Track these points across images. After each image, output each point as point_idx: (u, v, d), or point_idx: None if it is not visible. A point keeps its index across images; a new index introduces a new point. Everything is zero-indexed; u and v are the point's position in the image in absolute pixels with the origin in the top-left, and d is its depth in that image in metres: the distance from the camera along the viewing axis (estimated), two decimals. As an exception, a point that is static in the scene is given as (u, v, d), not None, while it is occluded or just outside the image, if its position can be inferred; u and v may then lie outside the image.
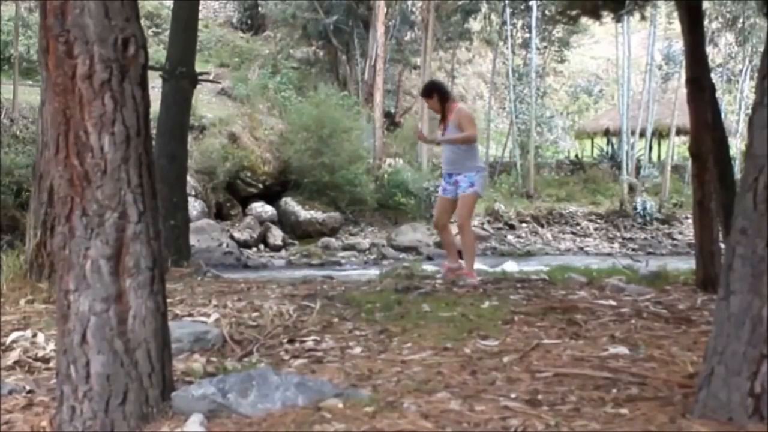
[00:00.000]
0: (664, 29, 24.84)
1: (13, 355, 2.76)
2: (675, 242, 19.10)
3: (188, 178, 9.81)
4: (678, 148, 24.70)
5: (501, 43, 24.94)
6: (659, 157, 24.79)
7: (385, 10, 22.32)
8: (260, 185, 17.36)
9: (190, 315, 3.54)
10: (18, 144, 13.69)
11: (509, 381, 2.35)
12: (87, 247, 1.96)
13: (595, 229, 20.10)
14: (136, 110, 2.02)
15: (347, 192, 17.55)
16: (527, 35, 23.58)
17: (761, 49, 9.00)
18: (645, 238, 19.48)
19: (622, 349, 2.80)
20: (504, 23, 23.64)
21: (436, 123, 25.84)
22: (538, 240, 18.90)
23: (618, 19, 8.11)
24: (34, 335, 3.02)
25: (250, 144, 17.44)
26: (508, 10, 23.04)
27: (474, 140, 5.66)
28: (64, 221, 1.99)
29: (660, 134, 23.79)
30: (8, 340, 2.94)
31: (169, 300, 2.91)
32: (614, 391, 2.19)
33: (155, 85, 6.44)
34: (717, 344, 1.88)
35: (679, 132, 22.27)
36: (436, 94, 5.72)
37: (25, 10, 17.85)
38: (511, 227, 19.52)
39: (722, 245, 4.68)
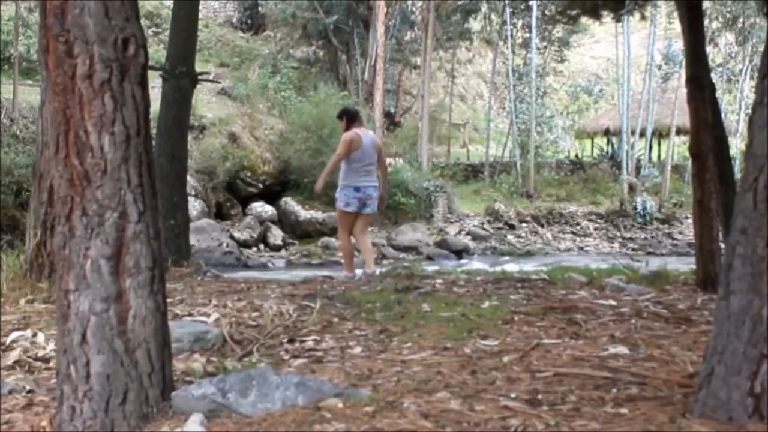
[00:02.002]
0: (664, 29, 24.84)
1: (13, 355, 2.76)
2: (675, 242, 19.10)
3: (188, 177, 9.82)
4: (678, 148, 24.71)
5: (501, 43, 24.95)
6: (659, 156, 24.79)
7: (385, 9, 22.33)
8: (260, 185, 17.36)
9: (190, 315, 3.54)
10: (18, 144, 13.68)
11: (509, 381, 2.35)
12: (87, 246, 1.96)
13: (595, 229, 20.10)
14: (136, 110, 2.02)
15: (347, 192, 17.53)
16: (527, 35, 23.58)
17: (761, 49, 9.00)
18: (645, 238, 19.48)
19: (622, 349, 2.80)
20: (504, 23, 23.64)
21: (435, 123, 25.84)
22: (538, 240, 18.90)
23: (618, 19, 8.11)
24: (34, 335, 3.02)
25: (250, 144, 17.44)
26: (508, 10, 23.04)
27: (337, 159, 6.47)
28: (64, 221, 1.99)
29: (660, 134, 23.79)
30: (8, 339, 2.94)
31: (169, 300, 2.91)
32: (614, 390, 2.19)
33: (155, 84, 6.46)
34: (717, 344, 1.88)
35: (679, 132, 22.28)
36: (345, 117, 6.65)
37: (25, 9, 17.85)
38: (511, 227, 19.52)
39: (722, 245, 4.68)
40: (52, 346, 2.79)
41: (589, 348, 2.83)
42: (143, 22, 2.44)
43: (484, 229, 18.66)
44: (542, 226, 19.98)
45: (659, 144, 24.96)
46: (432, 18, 21.05)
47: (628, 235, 19.76)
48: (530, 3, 22.32)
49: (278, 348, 2.96)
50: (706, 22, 10.57)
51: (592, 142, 26.51)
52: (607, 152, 24.40)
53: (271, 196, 17.39)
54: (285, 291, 4.60)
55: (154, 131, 5.64)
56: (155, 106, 3.34)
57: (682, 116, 18.87)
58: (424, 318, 3.58)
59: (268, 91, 20.38)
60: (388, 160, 20.25)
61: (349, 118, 6.58)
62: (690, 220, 11.72)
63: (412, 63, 26.07)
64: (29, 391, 2.36)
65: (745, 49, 23.13)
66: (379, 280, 5.36)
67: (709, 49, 13.11)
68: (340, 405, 1.99)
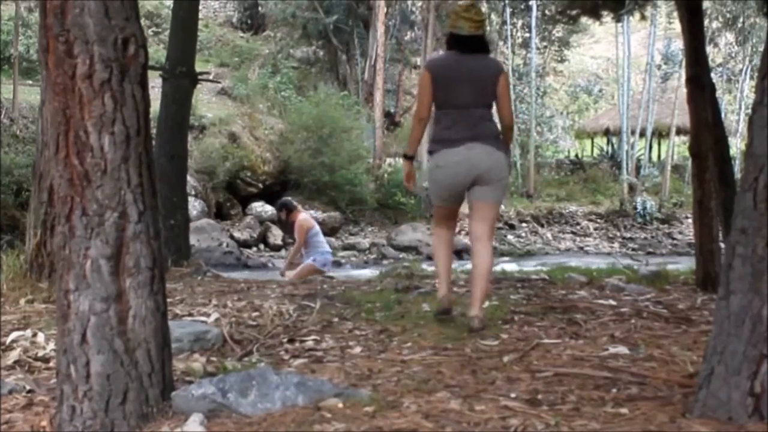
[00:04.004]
0: (664, 29, 24.84)
1: (13, 355, 2.76)
2: (675, 242, 19.10)
3: (188, 177, 9.81)
4: (678, 148, 24.71)
5: (501, 43, 24.93)
6: (659, 156, 24.80)
7: (385, 9, 22.31)
8: (260, 185, 17.37)
9: (190, 314, 3.54)
10: (18, 144, 13.68)
11: (509, 381, 2.35)
12: (87, 246, 1.96)
13: (595, 229, 20.11)
14: (136, 110, 2.02)
15: (347, 191, 17.56)
16: (527, 35, 23.60)
17: (761, 48, 8.99)
18: (645, 238, 19.48)
19: (622, 349, 2.79)
20: (504, 23, 23.64)
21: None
22: (538, 240, 18.90)
23: (618, 19, 8.11)
24: (34, 335, 3.02)
25: (250, 144, 17.44)
26: (508, 10, 23.04)
27: (298, 247, 7.63)
28: (64, 221, 1.99)
29: (660, 134, 23.80)
30: (8, 339, 2.94)
31: (169, 300, 2.91)
32: (614, 390, 2.19)
33: (155, 84, 6.44)
34: (717, 344, 1.88)
35: (679, 131, 22.28)
36: (285, 209, 7.73)
37: (25, 9, 17.84)
38: (511, 227, 19.52)
39: (722, 245, 4.67)
40: (52, 346, 2.79)
41: (589, 348, 2.83)
42: (143, 22, 2.44)
43: (484, 229, 18.64)
44: (542, 226, 19.98)
45: (659, 144, 24.96)
46: (432, 18, 21.05)
47: (628, 235, 19.76)
48: (530, 3, 22.32)
49: (278, 348, 2.96)
50: (706, 22, 10.56)
51: (592, 142, 26.51)
52: (607, 152, 24.40)
53: (271, 196, 17.38)
54: (285, 291, 4.60)
55: (154, 131, 5.64)
56: (155, 106, 3.34)
57: (682, 116, 18.86)
58: (424, 318, 3.58)
59: (268, 91, 20.38)
60: (388, 160, 20.31)
61: (289, 209, 7.82)
62: (690, 220, 11.72)
63: (412, 63, 26.05)
64: (29, 391, 2.36)
65: (745, 49, 23.12)
66: (379, 280, 5.36)
67: (709, 49, 13.10)
68: (340, 405, 1.99)
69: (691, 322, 3.40)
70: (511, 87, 21.75)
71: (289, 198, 8.98)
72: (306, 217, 7.76)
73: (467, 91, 3.43)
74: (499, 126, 3.56)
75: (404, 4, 25.05)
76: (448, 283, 3.54)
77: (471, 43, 3.48)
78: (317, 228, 7.74)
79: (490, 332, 3.20)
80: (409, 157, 3.76)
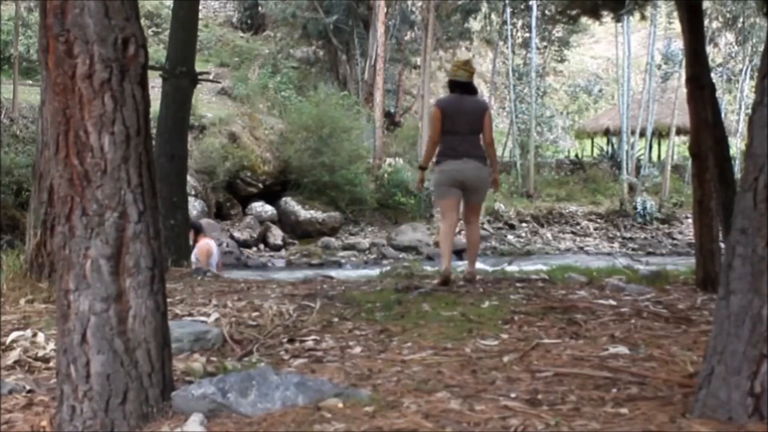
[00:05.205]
0: (664, 29, 24.85)
1: (13, 355, 2.75)
2: (675, 242, 19.12)
3: (188, 177, 9.83)
4: (678, 148, 24.72)
5: (501, 43, 24.96)
6: (659, 156, 24.81)
7: (385, 9, 22.33)
8: (260, 185, 17.37)
9: (190, 314, 3.54)
10: (18, 144, 13.70)
11: (509, 380, 2.35)
12: (87, 246, 1.96)
13: (595, 229, 20.12)
14: (136, 110, 2.02)
15: (347, 192, 17.58)
16: (527, 35, 23.60)
17: (761, 48, 9.00)
18: (645, 238, 19.50)
19: (622, 349, 2.79)
20: (504, 23, 23.65)
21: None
22: (538, 240, 18.91)
23: (618, 19, 8.11)
24: (34, 335, 3.02)
25: (250, 143, 17.45)
26: (508, 10, 23.05)
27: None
28: (64, 221, 1.99)
29: (660, 134, 23.80)
30: (8, 339, 2.94)
31: (169, 299, 2.91)
32: (614, 390, 2.19)
33: (155, 84, 6.46)
34: (717, 343, 1.88)
35: (679, 131, 22.29)
36: (193, 230, 7.73)
37: (25, 9, 17.84)
38: (511, 227, 19.53)
39: (722, 245, 4.67)
40: (52, 346, 2.79)
41: (589, 348, 2.83)
42: (143, 22, 2.44)
43: (484, 229, 18.67)
44: (542, 226, 19.99)
45: (659, 144, 24.97)
46: (432, 18, 21.05)
47: (628, 235, 19.77)
48: (530, 3, 22.33)
49: (278, 348, 2.96)
50: (706, 22, 10.57)
51: (592, 142, 26.52)
52: (607, 152, 24.41)
53: (271, 195, 17.40)
54: (285, 291, 4.60)
55: (154, 131, 5.65)
56: (155, 106, 3.34)
57: (682, 116, 18.87)
58: (424, 318, 3.58)
59: (268, 91, 20.39)
60: (388, 160, 20.34)
61: (197, 231, 7.93)
62: (690, 220, 11.73)
63: (412, 63, 26.07)
64: (29, 391, 2.36)
65: (745, 49, 23.14)
66: (379, 280, 5.36)
67: (709, 49, 13.11)
68: (340, 405, 1.99)
69: (691, 322, 3.40)
70: (512, 87, 21.66)
71: (199, 221, 9.48)
72: (208, 242, 8.07)
73: (464, 122, 5.01)
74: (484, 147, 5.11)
75: (404, 4, 25.05)
76: (449, 260, 4.83)
77: (466, 88, 5.12)
78: (215, 255, 7.98)
79: (490, 332, 3.20)
80: (422, 168, 5.42)
